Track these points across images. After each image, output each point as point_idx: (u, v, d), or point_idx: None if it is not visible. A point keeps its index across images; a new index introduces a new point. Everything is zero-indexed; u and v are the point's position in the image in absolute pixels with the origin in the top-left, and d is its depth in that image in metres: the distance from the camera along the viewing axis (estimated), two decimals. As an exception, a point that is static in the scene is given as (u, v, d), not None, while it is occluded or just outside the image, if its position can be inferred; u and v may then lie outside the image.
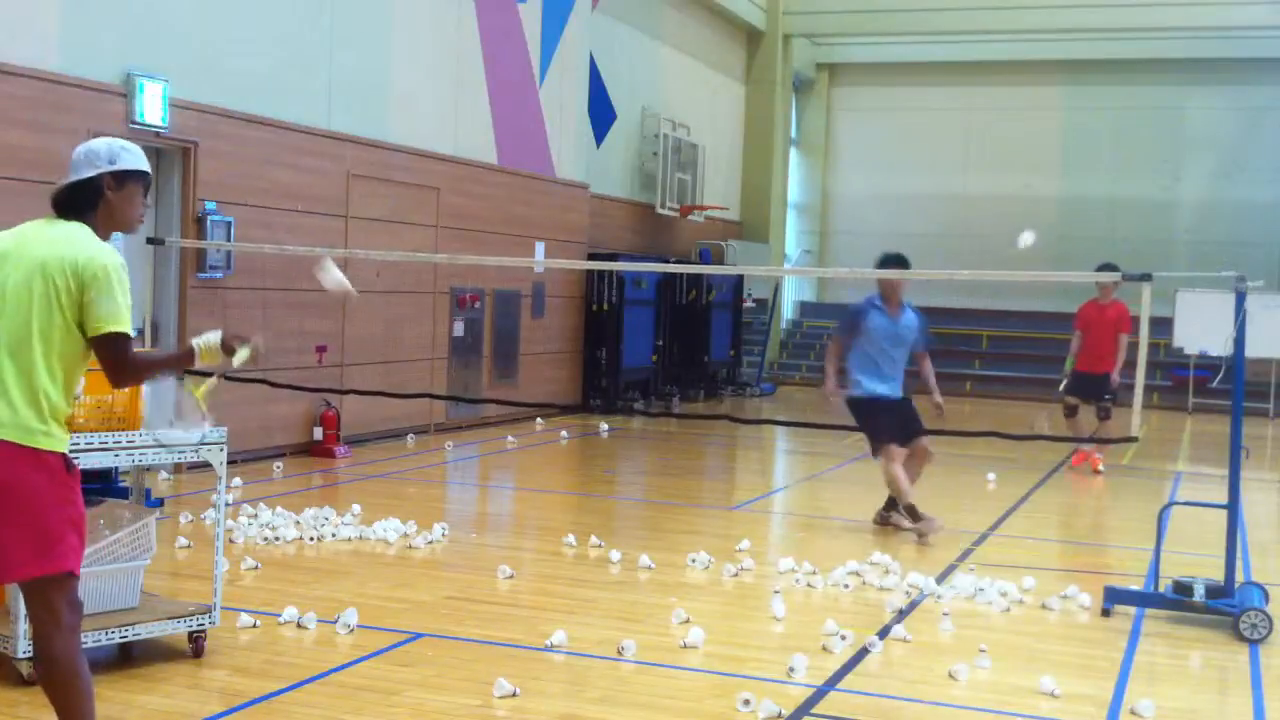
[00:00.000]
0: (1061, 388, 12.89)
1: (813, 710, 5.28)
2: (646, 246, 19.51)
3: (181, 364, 4.47)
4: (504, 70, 14.86)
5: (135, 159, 4.15)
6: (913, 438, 9.31)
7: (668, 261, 18.09)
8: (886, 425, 9.18)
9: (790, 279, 25.52)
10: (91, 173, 4.06)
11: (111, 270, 3.94)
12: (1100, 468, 12.72)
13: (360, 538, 8.24)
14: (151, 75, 9.91)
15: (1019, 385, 22.34)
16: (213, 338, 4.48)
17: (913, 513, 9.08)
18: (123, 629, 5.37)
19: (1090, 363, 12.65)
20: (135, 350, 4.05)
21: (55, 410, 3.93)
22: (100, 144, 4.14)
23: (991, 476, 11.89)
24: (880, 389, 9.22)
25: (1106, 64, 24.34)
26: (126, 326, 3.96)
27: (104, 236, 4.07)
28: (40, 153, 8.87)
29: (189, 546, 7.76)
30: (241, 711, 5.00)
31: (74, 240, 3.98)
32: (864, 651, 6.10)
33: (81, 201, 4.07)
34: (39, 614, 3.95)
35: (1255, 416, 18.73)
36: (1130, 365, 7.00)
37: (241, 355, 4.61)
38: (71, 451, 4.04)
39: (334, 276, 6.20)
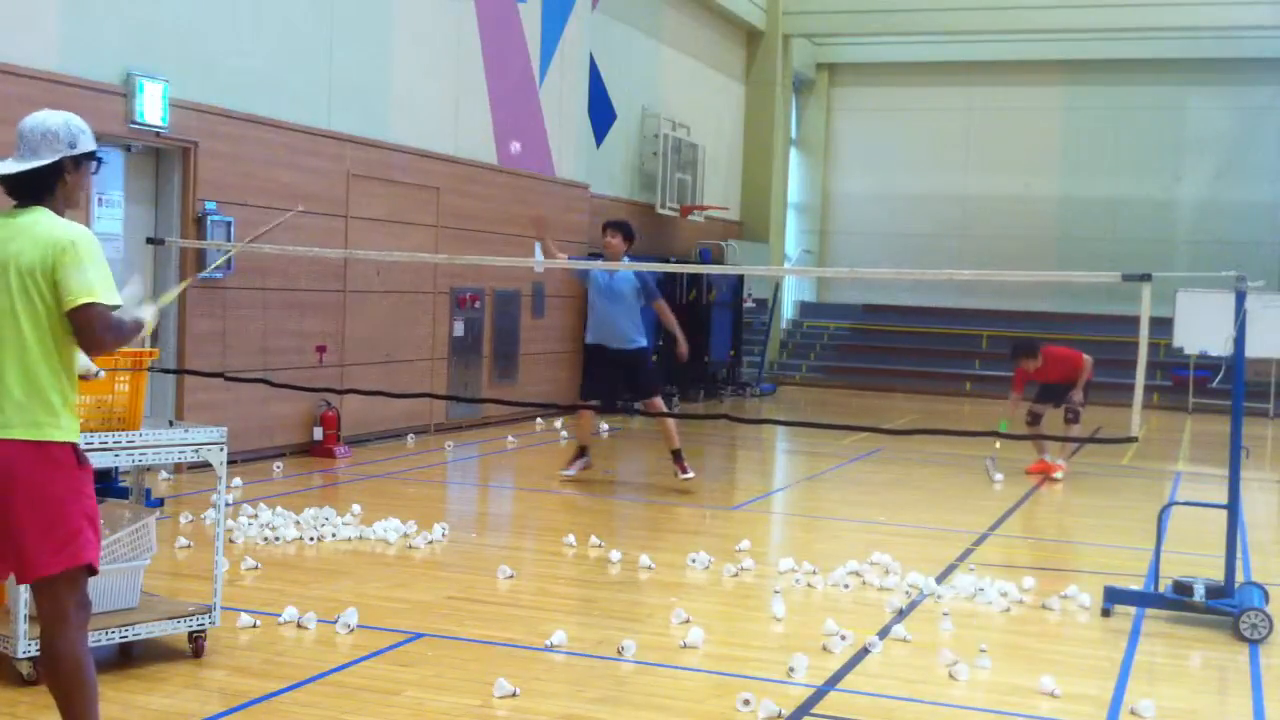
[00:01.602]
0: (998, 446, 12.03)
1: (813, 710, 5.28)
2: (646, 247, 19.46)
3: (135, 333, 4.25)
4: (504, 70, 14.87)
5: (90, 140, 4.11)
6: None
7: (668, 261, 18.07)
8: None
9: (790, 279, 25.52)
10: (53, 157, 4.00)
11: (78, 243, 3.90)
12: (1058, 475, 12.14)
13: (360, 538, 8.24)
14: (151, 75, 9.91)
15: (1019, 385, 22.31)
16: (150, 313, 4.33)
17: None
18: (123, 629, 5.37)
19: (1055, 378, 12.30)
20: (111, 312, 3.96)
21: (65, 401, 3.94)
22: (56, 123, 4.04)
23: (999, 477, 11.84)
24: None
25: (1106, 64, 24.34)
26: (99, 296, 3.89)
27: (60, 216, 4.04)
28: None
29: (189, 546, 7.76)
30: (241, 711, 5.00)
31: (39, 226, 3.94)
32: (864, 651, 6.10)
33: (40, 185, 4.01)
34: (48, 611, 3.95)
35: (1255, 416, 18.73)
36: (1130, 365, 7.00)
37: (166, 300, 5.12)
38: (75, 447, 4.03)
39: None
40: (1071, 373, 12.27)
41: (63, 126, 4.03)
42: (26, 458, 3.85)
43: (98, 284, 3.90)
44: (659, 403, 11.01)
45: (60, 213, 4.04)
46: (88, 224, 9.45)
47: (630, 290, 10.63)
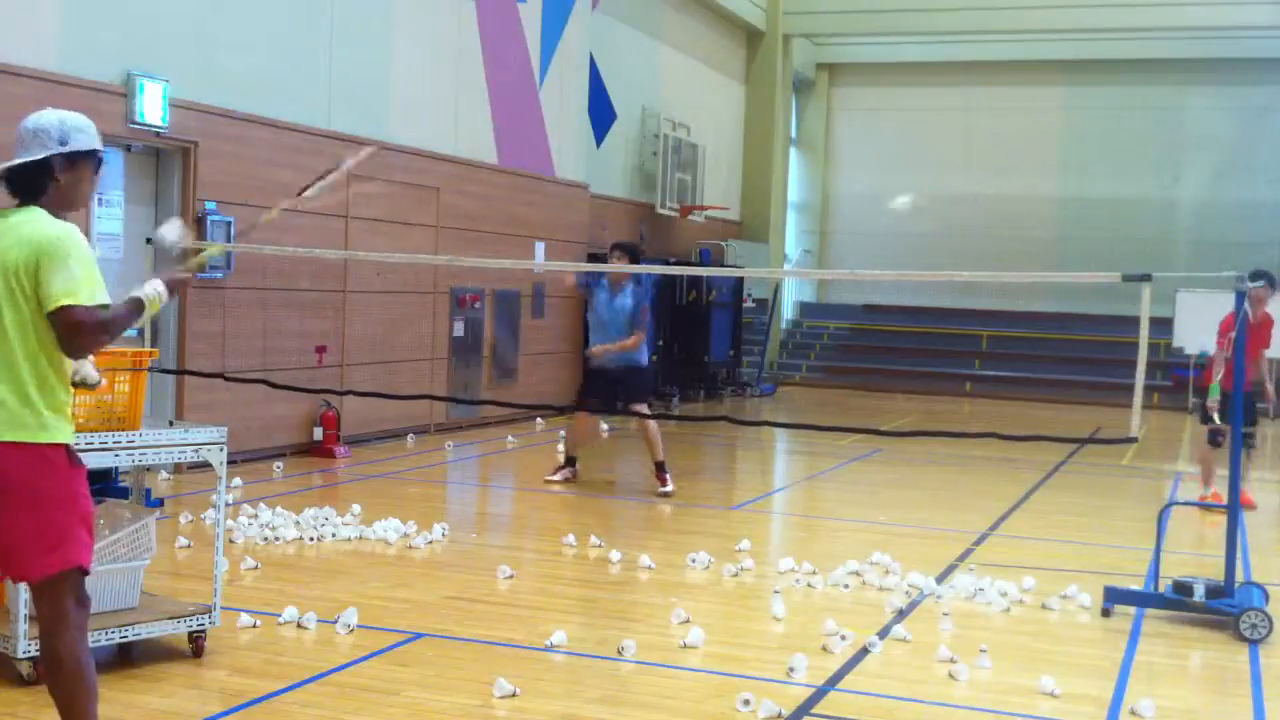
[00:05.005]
0: (1219, 419, 10.14)
1: (813, 710, 5.28)
2: (647, 247, 19.48)
3: (135, 317, 4.10)
4: (504, 70, 14.87)
5: (88, 139, 4.01)
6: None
7: (668, 262, 18.07)
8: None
9: (790, 279, 25.53)
10: (41, 154, 3.92)
11: (61, 239, 3.81)
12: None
13: (360, 538, 8.24)
14: (151, 75, 9.91)
15: (1018, 385, 22.35)
16: (158, 288, 4.13)
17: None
18: (123, 629, 5.37)
19: (1254, 347, 9.86)
20: (97, 311, 3.83)
21: (53, 402, 3.88)
22: (50, 120, 3.96)
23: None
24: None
25: (1106, 64, 24.35)
26: (81, 297, 3.78)
27: (56, 216, 3.94)
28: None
29: (189, 546, 7.76)
30: (241, 711, 5.00)
31: (26, 225, 3.86)
32: (864, 651, 6.10)
33: (32, 183, 3.93)
34: (46, 611, 3.93)
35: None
36: (1130, 365, 6.99)
37: (202, 258, 5.02)
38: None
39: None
40: (1257, 352, 10.16)
41: (55, 124, 3.95)
42: (16, 460, 3.81)
43: (81, 284, 3.80)
44: (643, 410, 10.81)
45: (55, 213, 3.94)
46: (87, 224, 9.46)
47: (623, 319, 10.49)
